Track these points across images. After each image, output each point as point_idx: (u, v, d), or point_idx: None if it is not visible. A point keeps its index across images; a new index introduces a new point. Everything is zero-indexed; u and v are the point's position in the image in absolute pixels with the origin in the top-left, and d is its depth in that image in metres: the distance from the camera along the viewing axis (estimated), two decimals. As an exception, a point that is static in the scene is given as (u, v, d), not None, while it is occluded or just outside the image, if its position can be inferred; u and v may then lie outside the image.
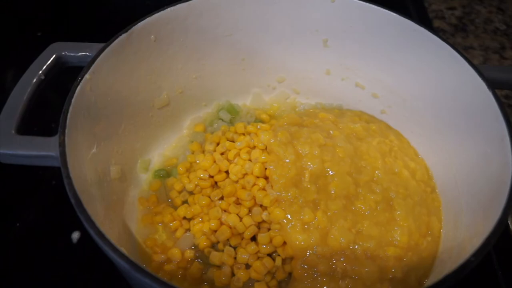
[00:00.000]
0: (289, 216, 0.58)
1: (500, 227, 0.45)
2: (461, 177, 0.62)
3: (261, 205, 0.62)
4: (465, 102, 0.61)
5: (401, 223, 0.59)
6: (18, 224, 0.71)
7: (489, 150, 0.56)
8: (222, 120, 0.77)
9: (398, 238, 0.58)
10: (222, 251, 0.60)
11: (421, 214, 0.62)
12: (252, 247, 0.59)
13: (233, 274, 0.58)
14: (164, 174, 0.70)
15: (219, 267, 0.59)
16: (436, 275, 0.53)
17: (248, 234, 0.60)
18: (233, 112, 0.78)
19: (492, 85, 0.57)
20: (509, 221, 0.70)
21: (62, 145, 0.50)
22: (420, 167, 0.69)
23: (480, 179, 0.57)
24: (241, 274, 0.57)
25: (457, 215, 0.60)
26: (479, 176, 0.57)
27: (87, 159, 0.57)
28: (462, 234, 0.56)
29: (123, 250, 0.44)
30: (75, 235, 0.69)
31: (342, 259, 0.56)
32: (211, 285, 0.58)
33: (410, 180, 0.65)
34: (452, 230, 0.61)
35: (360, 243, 0.57)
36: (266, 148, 0.65)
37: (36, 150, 0.53)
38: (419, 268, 0.57)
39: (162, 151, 0.75)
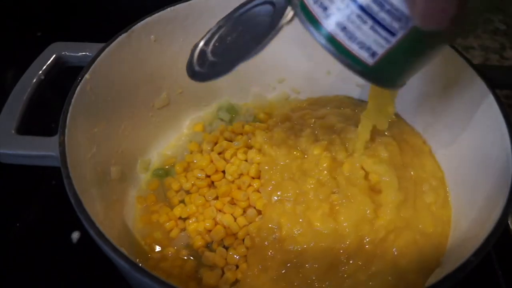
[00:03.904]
0: (282, 220, 0.57)
1: (500, 227, 0.45)
2: (461, 177, 0.62)
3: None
4: (465, 102, 0.61)
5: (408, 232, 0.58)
6: (18, 224, 0.71)
7: (489, 150, 0.56)
8: (222, 119, 0.77)
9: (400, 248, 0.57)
10: (216, 251, 0.60)
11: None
12: (243, 248, 0.58)
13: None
14: (163, 173, 0.70)
15: (211, 267, 0.59)
16: (436, 275, 0.53)
17: (241, 234, 0.60)
18: (233, 112, 0.77)
19: (492, 85, 0.57)
20: (509, 221, 0.69)
21: (62, 145, 0.50)
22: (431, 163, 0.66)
23: (480, 179, 0.56)
24: (229, 276, 0.57)
25: (457, 215, 0.60)
26: (479, 176, 0.57)
27: (87, 159, 0.57)
28: (462, 234, 0.56)
29: (123, 250, 0.44)
30: (75, 235, 0.69)
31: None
32: (201, 284, 0.58)
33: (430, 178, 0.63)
34: (451, 230, 0.60)
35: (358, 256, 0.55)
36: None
37: (36, 150, 0.53)
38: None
39: (161, 151, 0.75)
